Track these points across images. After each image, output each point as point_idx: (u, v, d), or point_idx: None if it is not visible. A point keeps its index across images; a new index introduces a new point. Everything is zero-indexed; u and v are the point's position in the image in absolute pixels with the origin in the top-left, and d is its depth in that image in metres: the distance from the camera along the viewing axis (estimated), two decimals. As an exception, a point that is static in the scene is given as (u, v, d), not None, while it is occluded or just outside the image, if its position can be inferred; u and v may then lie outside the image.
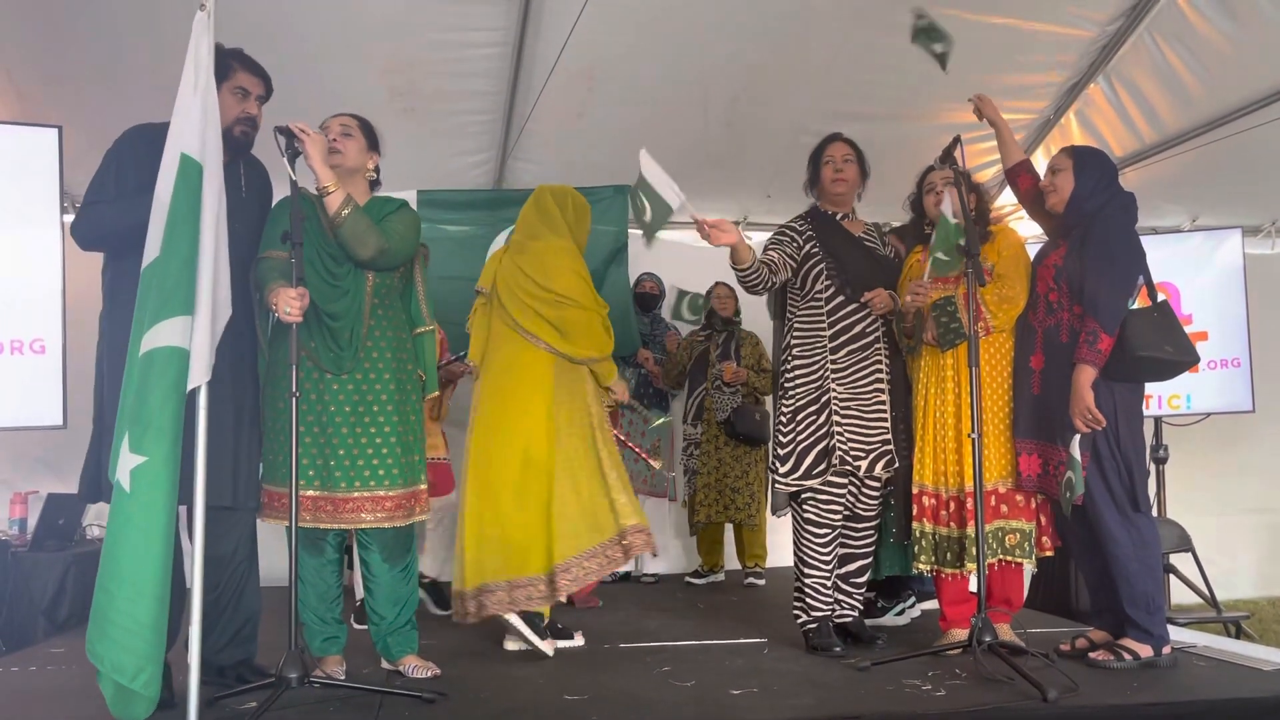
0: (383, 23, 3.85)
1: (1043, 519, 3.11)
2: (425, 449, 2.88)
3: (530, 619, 3.10)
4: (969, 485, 2.99)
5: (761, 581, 4.76)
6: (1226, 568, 5.28)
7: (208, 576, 2.24)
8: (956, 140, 2.98)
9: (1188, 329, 3.14)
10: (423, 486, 2.80)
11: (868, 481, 3.25)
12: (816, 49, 4.19)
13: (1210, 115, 4.38)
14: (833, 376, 3.20)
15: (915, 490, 3.15)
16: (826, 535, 3.19)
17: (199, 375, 2.17)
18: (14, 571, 3.95)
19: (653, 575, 5.00)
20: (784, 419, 3.23)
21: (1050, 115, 4.75)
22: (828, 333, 3.22)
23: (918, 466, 3.15)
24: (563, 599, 3.17)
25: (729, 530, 4.95)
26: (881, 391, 3.23)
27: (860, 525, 3.28)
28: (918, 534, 3.13)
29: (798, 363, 3.25)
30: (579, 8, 3.62)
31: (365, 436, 2.70)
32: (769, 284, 3.18)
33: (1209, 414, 4.99)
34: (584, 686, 2.73)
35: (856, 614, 3.31)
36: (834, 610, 3.24)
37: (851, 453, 3.17)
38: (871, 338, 3.23)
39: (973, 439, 2.85)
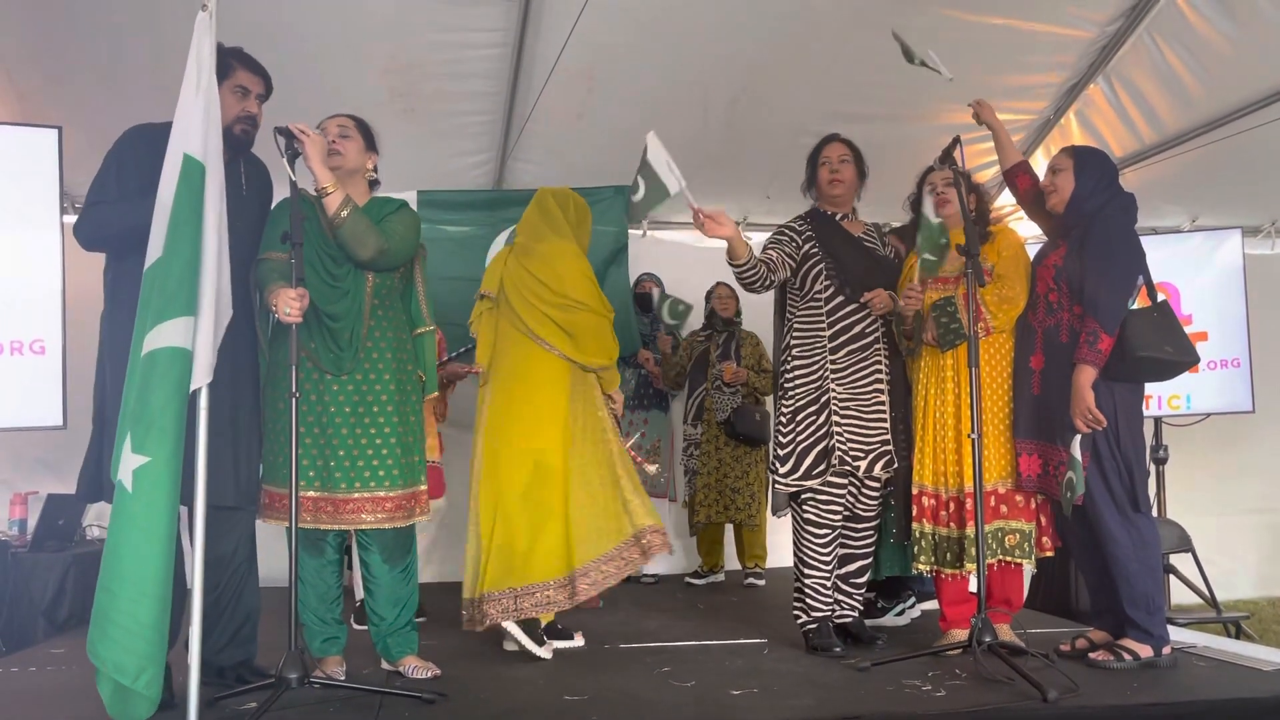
0: (383, 23, 3.85)
1: (1043, 519, 3.11)
2: (425, 450, 2.88)
3: (528, 624, 3.10)
4: (969, 486, 2.99)
5: (761, 582, 4.76)
6: (1226, 568, 5.28)
7: (207, 577, 2.24)
8: (956, 141, 2.99)
9: (1187, 329, 3.14)
10: (423, 487, 2.80)
11: (867, 482, 3.25)
12: (816, 49, 4.19)
13: (1210, 115, 4.38)
14: (832, 377, 3.20)
15: (915, 491, 3.15)
16: (826, 536, 3.19)
17: (201, 376, 2.17)
18: (14, 572, 3.95)
19: (653, 576, 5.00)
20: (784, 419, 3.23)
21: (1050, 116, 4.75)
22: (827, 333, 3.22)
23: (917, 467, 3.15)
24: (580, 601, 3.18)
25: (729, 530, 4.96)
26: (881, 392, 3.23)
27: (860, 526, 3.28)
28: (917, 534, 3.13)
29: (797, 363, 3.25)
30: (579, 8, 3.62)
31: (365, 437, 2.70)
32: (767, 282, 3.17)
33: (1209, 414, 4.99)
34: (584, 687, 2.73)
35: (856, 614, 3.31)
36: (834, 611, 3.24)
37: (851, 453, 3.17)
38: (871, 338, 3.23)
39: (972, 439, 2.85)
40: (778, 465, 3.21)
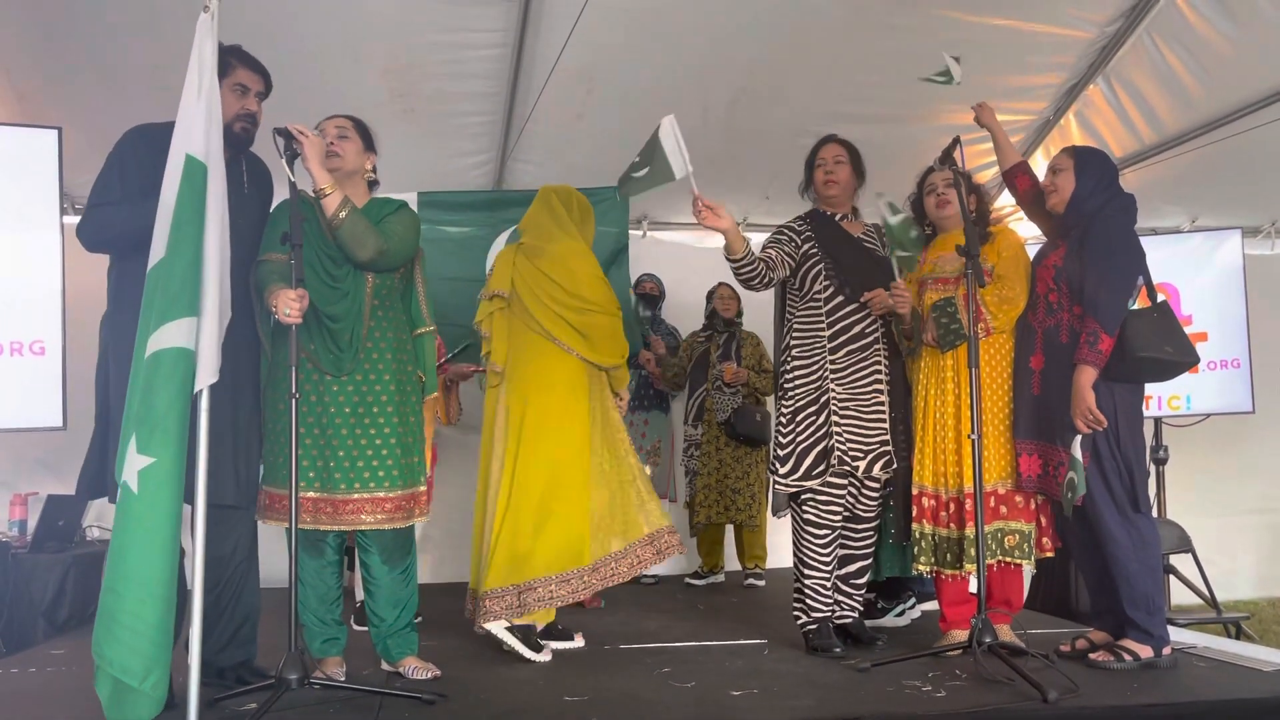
0: (383, 23, 3.84)
1: (1043, 520, 3.11)
2: (425, 450, 2.88)
3: (523, 631, 3.11)
4: (969, 486, 2.99)
5: (761, 583, 4.76)
6: (1226, 568, 5.28)
7: (207, 576, 2.24)
8: (956, 141, 2.99)
9: (1187, 330, 3.14)
10: (422, 488, 2.80)
11: (867, 482, 3.25)
12: (816, 50, 4.19)
13: (1210, 116, 4.38)
14: (832, 377, 3.20)
15: (915, 491, 3.15)
16: (826, 536, 3.19)
17: (205, 377, 2.18)
18: (14, 573, 3.95)
19: (653, 577, 4.99)
20: (783, 420, 3.24)
21: (1050, 116, 4.75)
22: (826, 333, 3.22)
23: (917, 467, 3.15)
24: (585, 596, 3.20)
25: (729, 531, 4.95)
26: (880, 392, 3.23)
27: (860, 526, 3.28)
28: (917, 535, 3.13)
29: (797, 363, 3.25)
30: (579, 8, 3.62)
31: (365, 438, 2.70)
32: (765, 279, 3.17)
33: (1209, 415, 4.99)
34: (584, 688, 2.73)
35: (856, 615, 3.31)
36: (834, 611, 3.24)
37: (850, 453, 3.17)
38: (871, 338, 3.23)
39: (972, 440, 2.85)
40: (777, 465, 3.21)
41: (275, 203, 2.86)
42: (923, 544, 3.12)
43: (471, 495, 4.13)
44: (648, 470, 3.59)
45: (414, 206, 3.41)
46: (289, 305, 2.47)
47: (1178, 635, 3.18)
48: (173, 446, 2.12)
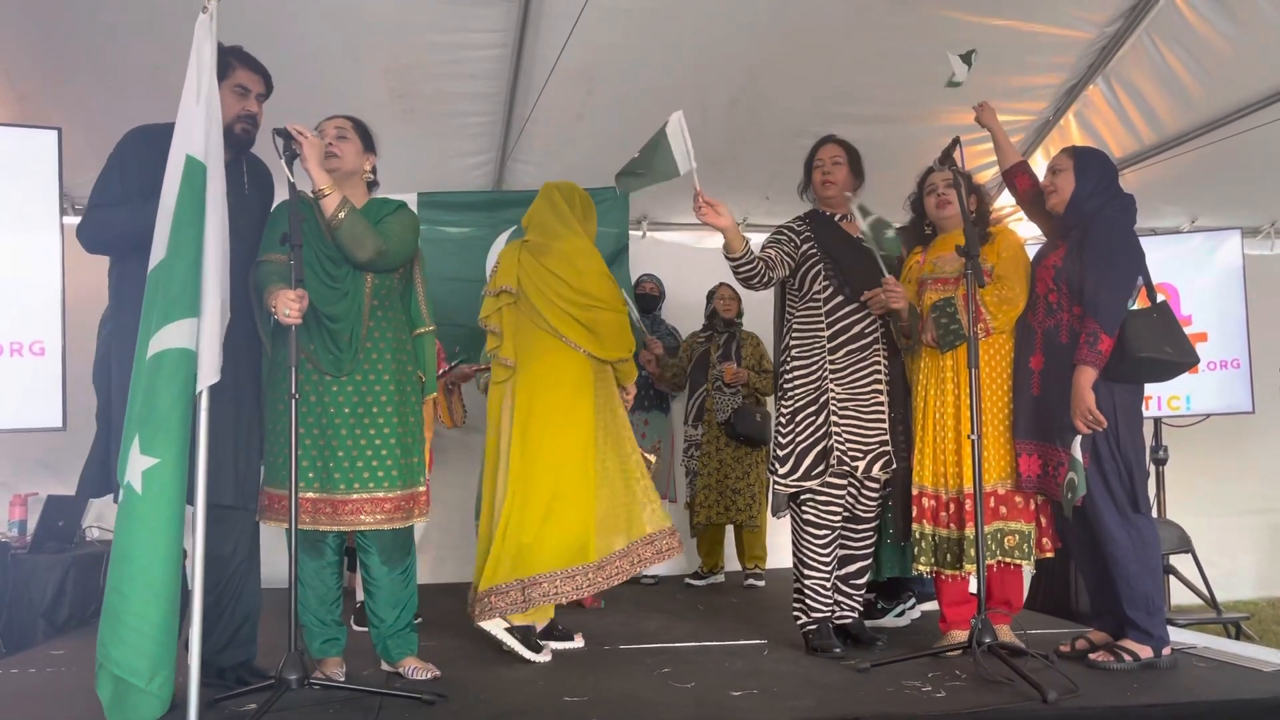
0: (383, 23, 3.84)
1: (1043, 520, 3.11)
2: (425, 451, 2.88)
3: (523, 632, 3.10)
4: (968, 486, 2.99)
5: (761, 583, 4.75)
6: (1226, 569, 5.28)
7: (207, 576, 2.24)
8: (956, 142, 2.99)
9: (1187, 330, 3.14)
10: (422, 489, 2.80)
11: (867, 483, 3.25)
12: (816, 51, 4.19)
13: (1209, 116, 4.38)
14: (831, 377, 3.20)
15: (915, 491, 3.15)
16: (826, 536, 3.19)
17: (207, 377, 2.18)
18: (13, 573, 3.96)
19: (652, 577, 4.99)
20: (783, 420, 3.24)
21: (1049, 116, 4.75)
22: (826, 333, 3.22)
23: (917, 468, 3.15)
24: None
25: (729, 531, 4.95)
26: (880, 392, 3.23)
27: (860, 527, 3.28)
28: (917, 535, 3.13)
29: (796, 364, 3.25)
30: (579, 8, 3.62)
31: (365, 438, 2.70)
32: (765, 278, 3.17)
33: (1209, 415, 4.99)
34: (583, 688, 2.73)
35: (856, 615, 3.31)
36: (834, 612, 3.24)
37: (849, 453, 3.16)
38: (870, 338, 3.23)
39: (972, 440, 2.85)
40: (777, 466, 3.21)
41: (276, 203, 2.86)
42: (923, 544, 3.12)
43: (471, 496, 4.13)
44: (652, 458, 3.60)
45: (414, 207, 3.42)
46: (288, 306, 2.47)
47: (1177, 635, 3.18)
48: (176, 447, 2.13)
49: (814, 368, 3.22)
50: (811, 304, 3.26)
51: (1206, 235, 5.16)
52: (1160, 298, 3.00)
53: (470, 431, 4.35)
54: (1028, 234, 3.77)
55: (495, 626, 3.08)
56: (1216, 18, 3.88)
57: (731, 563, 4.97)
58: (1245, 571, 5.64)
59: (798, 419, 3.20)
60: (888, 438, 3.21)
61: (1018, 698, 2.53)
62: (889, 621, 3.65)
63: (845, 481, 3.21)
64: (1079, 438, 2.84)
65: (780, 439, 3.22)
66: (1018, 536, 3.06)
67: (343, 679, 2.75)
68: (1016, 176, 3.29)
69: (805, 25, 4.02)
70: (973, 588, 2.99)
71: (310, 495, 2.65)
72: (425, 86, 4.21)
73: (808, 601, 3.19)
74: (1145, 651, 2.87)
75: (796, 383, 3.23)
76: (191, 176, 2.20)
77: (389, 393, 2.73)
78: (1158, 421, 4.94)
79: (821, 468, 3.15)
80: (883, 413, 3.22)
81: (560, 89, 4.18)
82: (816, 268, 3.25)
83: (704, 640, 3.41)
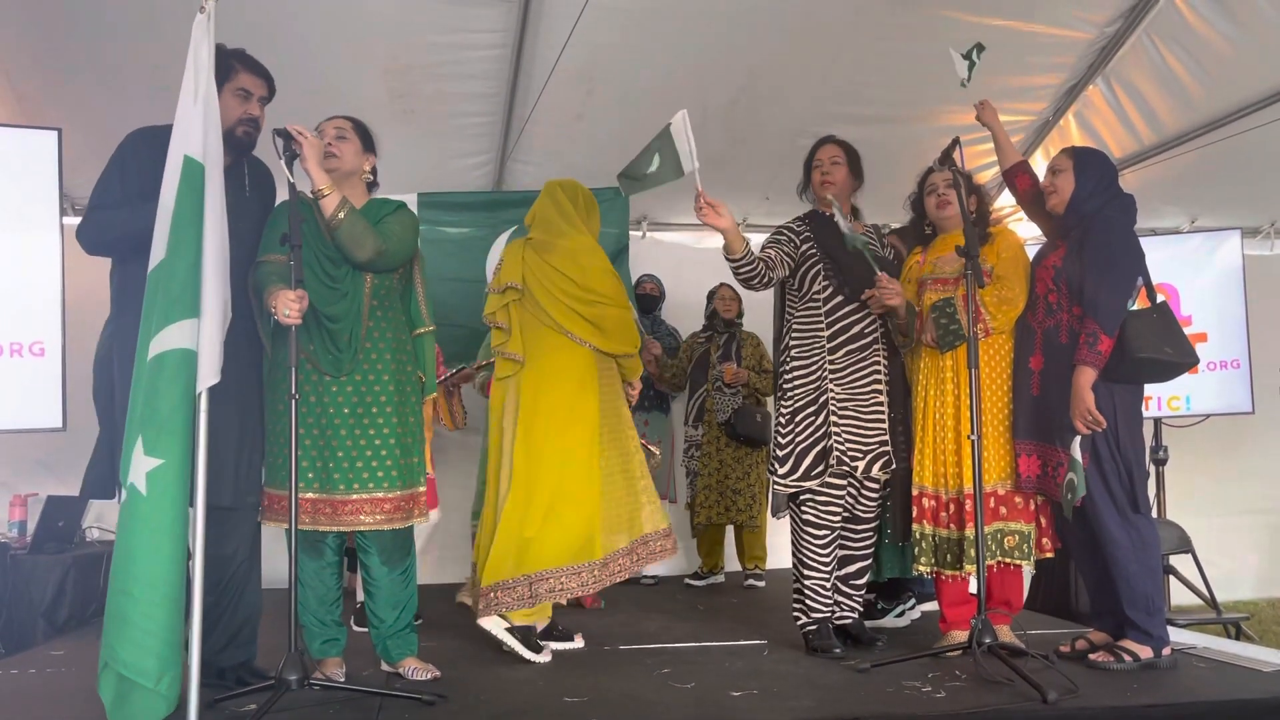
0: (383, 23, 3.85)
1: (1043, 520, 3.11)
2: (425, 451, 2.88)
3: (524, 631, 3.10)
4: (968, 487, 2.99)
5: (761, 583, 4.75)
6: (1226, 569, 5.28)
7: (207, 576, 2.24)
8: (956, 142, 2.99)
9: (1187, 330, 3.14)
10: (421, 489, 2.80)
11: (866, 483, 3.24)
12: (816, 51, 4.19)
13: (1209, 117, 4.38)
14: (831, 377, 3.20)
15: (915, 492, 3.15)
16: (826, 537, 3.19)
17: (207, 377, 2.18)
18: (13, 574, 3.95)
19: (652, 577, 5.00)
20: (783, 420, 3.24)
21: (1049, 117, 4.75)
22: (826, 333, 3.22)
23: (917, 468, 3.15)
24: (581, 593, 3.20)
25: (729, 532, 4.95)
26: (879, 393, 3.22)
27: (859, 527, 3.28)
28: (918, 535, 3.13)
29: (796, 364, 3.25)
30: (579, 8, 3.63)
31: (365, 438, 2.69)
32: (765, 278, 3.17)
33: (1208, 415, 4.99)
34: (583, 688, 2.73)
35: (856, 616, 3.31)
36: (834, 612, 3.24)
37: (849, 453, 3.16)
38: (870, 338, 3.23)
39: (972, 440, 2.85)
40: (776, 466, 3.21)
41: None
42: (923, 544, 3.12)
43: (471, 496, 4.12)
44: (655, 450, 3.60)
45: (414, 207, 3.41)
46: (288, 306, 2.47)
47: (1177, 636, 3.18)
48: (180, 448, 2.13)
49: (814, 368, 3.22)
50: (811, 304, 3.26)
51: (1206, 235, 5.16)
52: (1160, 298, 3.00)
53: (470, 432, 4.34)
54: (1028, 234, 3.77)
55: (496, 626, 3.08)
56: (1216, 18, 3.88)
57: (732, 563, 4.97)
58: (1245, 572, 5.64)
59: (797, 419, 3.20)
60: (887, 438, 3.21)
61: (1018, 698, 2.53)
62: (889, 622, 3.65)
63: (845, 482, 3.21)
64: (1079, 438, 2.84)
65: (780, 439, 3.22)
66: (1018, 537, 3.06)
67: (343, 679, 2.75)
68: (1017, 176, 3.29)
69: (805, 25, 4.02)
70: (973, 588, 3.00)
71: (310, 496, 2.65)
72: (425, 87, 4.21)
73: (808, 602, 3.19)
74: (1145, 652, 2.87)
75: (796, 383, 3.23)
76: (190, 177, 2.20)
77: (389, 393, 2.73)
78: (1158, 422, 4.94)
79: (821, 468, 3.15)
80: (882, 413, 3.22)
81: (560, 89, 4.18)
82: (816, 268, 3.25)
83: (704, 640, 3.41)
